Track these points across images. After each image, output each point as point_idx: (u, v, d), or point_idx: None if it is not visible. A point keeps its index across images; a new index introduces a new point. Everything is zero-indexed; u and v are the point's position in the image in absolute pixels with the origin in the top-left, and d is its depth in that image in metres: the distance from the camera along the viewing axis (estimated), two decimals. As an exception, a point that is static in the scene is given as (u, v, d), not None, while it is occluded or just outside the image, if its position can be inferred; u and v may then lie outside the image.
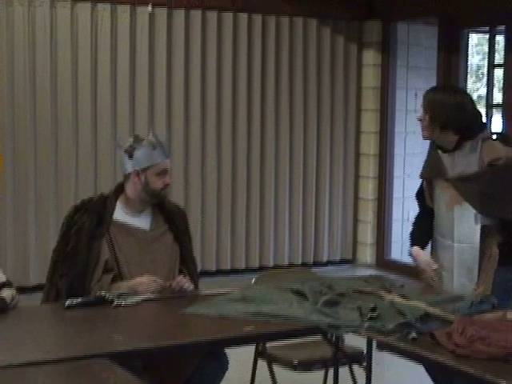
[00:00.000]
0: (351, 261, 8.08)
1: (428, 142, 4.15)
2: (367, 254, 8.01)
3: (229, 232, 7.38)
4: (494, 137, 3.97)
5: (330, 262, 7.95)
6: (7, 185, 6.45)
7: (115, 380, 2.60)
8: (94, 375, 2.65)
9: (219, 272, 7.35)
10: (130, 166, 3.73)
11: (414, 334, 3.11)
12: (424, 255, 4.08)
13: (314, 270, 6.99)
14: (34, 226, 6.53)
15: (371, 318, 3.29)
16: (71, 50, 6.62)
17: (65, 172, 6.64)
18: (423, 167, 4.15)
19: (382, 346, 3.17)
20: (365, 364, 3.80)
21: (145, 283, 3.61)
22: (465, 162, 3.85)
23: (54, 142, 6.61)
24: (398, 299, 3.55)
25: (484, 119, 4.09)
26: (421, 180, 4.20)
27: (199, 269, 6.92)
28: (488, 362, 2.81)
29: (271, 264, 7.48)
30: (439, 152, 3.97)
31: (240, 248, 7.45)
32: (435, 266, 4.01)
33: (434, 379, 3.91)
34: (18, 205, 6.50)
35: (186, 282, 3.75)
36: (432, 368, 3.83)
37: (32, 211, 6.53)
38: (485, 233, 3.85)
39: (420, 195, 4.19)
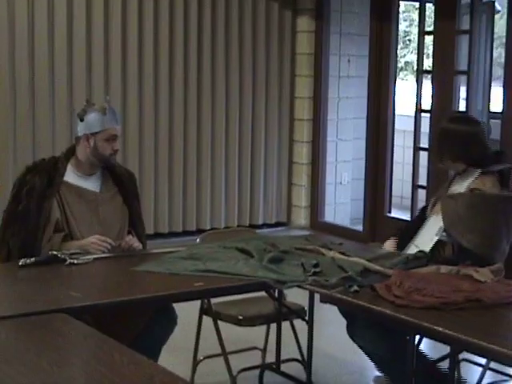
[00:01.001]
0: (286, 223, 8.26)
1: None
2: (302, 217, 8.21)
3: (166, 195, 7.49)
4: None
5: (265, 225, 8.12)
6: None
7: (76, 333, 2.72)
8: (55, 329, 2.76)
9: (171, 234, 7.50)
10: (80, 130, 3.83)
11: (355, 287, 3.30)
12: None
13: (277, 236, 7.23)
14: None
15: (314, 274, 3.47)
16: (27, 12, 6.62)
17: (22, 136, 6.68)
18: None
19: (326, 299, 3.36)
20: (307, 318, 3.97)
21: (95, 243, 3.72)
22: (459, 187, 3.95)
23: (12, 104, 6.63)
24: (338, 256, 3.75)
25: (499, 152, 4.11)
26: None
27: (152, 231, 7.15)
28: (425, 311, 3.02)
29: (208, 227, 7.60)
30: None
31: (177, 211, 7.57)
32: None
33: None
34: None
35: (134, 242, 3.89)
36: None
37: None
38: (438, 248, 3.89)
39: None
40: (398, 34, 7.75)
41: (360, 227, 7.78)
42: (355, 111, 8.18)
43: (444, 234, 3.85)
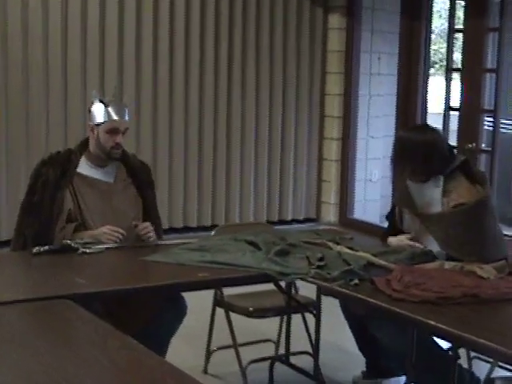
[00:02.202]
0: (315, 219, 8.31)
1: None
2: (331, 213, 8.25)
3: (195, 190, 7.58)
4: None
5: (294, 221, 8.18)
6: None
7: (76, 318, 2.83)
8: (57, 314, 2.87)
9: (186, 228, 7.56)
10: (89, 120, 3.95)
11: (356, 281, 3.36)
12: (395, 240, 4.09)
13: (280, 227, 7.30)
14: (5, 182, 6.68)
15: (318, 267, 3.53)
16: (42, 4, 6.72)
17: (36, 127, 6.77)
18: (395, 194, 4.29)
19: (327, 292, 3.42)
20: (315, 312, 4.03)
21: (107, 233, 3.82)
22: (430, 196, 3.90)
23: (25, 97, 6.72)
24: (344, 250, 3.80)
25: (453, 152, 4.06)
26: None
27: (167, 226, 7.22)
28: (420, 305, 3.06)
29: (237, 221, 7.68)
30: (408, 182, 4.01)
31: (206, 206, 7.66)
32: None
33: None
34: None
35: (150, 231, 3.97)
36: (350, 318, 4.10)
37: (3, 167, 6.68)
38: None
39: (389, 217, 4.27)
40: (430, 32, 7.74)
41: (389, 224, 7.78)
42: (386, 109, 8.19)
43: None
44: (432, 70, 17.94)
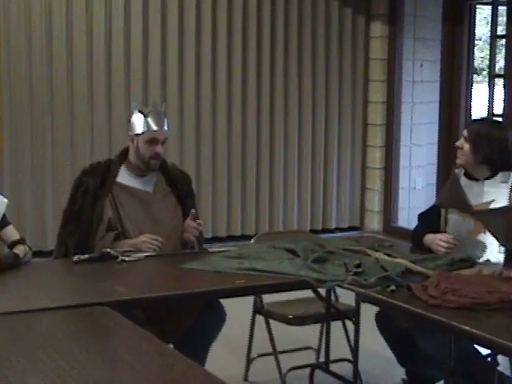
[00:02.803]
0: (359, 228, 8.29)
1: (434, 125, 4.18)
2: (375, 221, 8.23)
3: (239, 199, 7.62)
4: None
5: (338, 229, 8.17)
6: (25, 151, 6.70)
7: (113, 324, 2.87)
8: (94, 320, 2.92)
9: (230, 238, 7.59)
10: (128, 130, 4.00)
11: (392, 287, 3.35)
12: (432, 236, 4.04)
13: (323, 236, 7.31)
14: (52, 193, 6.80)
15: (355, 273, 3.53)
16: (86, 18, 6.83)
17: (80, 139, 6.88)
18: (442, 194, 4.17)
19: (363, 298, 3.42)
20: (354, 319, 4.03)
21: (147, 241, 3.87)
22: (496, 192, 3.88)
23: (70, 108, 6.83)
24: (383, 257, 3.80)
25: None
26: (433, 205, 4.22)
27: (210, 235, 7.27)
28: (457, 311, 3.05)
29: (281, 230, 7.70)
30: (465, 180, 3.99)
31: (250, 215, 7.69)
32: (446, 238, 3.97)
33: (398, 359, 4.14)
34: (35, 172, 6.76)
35: (197, 231, 4.02)
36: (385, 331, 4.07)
37: (49, 177, 6.80)
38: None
39: (426, 217, 4.24)
40: (473, 38, 7.70)
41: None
42: (429, 116, 8.15)
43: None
44: (480, 77, 17.81)
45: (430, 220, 4.13)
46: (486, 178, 3.94)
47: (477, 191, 3.94)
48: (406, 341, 3.91)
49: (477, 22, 10.58)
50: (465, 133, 4.00)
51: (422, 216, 4.30)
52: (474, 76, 16.01)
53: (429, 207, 4.29)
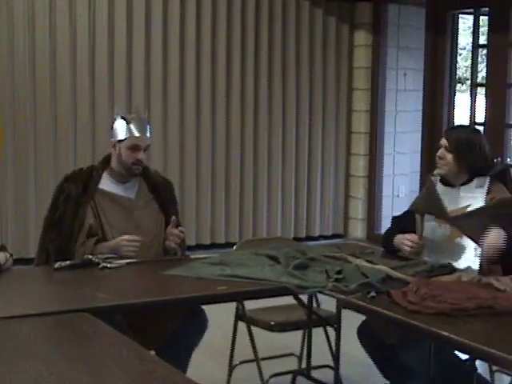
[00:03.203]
0: (343, 235, 8.34)
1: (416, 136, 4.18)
2: (358, 229, 8.27)
3: (223, 207, 7.64)
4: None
5: (322, 237, 8.21)
6: (7, 158, 6.71)
7: (93, 330, 2.87)
8: (75, 326, 2.92)
9: (214, 245, 7.60)
10: (111, 137, 4.01)
11: (373, 293, 3.37)
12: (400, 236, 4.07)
13: (307, 243, 7.32)
14: (34, 200, 6.80)
15: (336, 280, 3.55)
16: (69, 23, 6.84)
17: (63, 145, 6.90)
18: (418, 199, 4.18)
19: (344, 305, 3.44)
20: (335, 326, 4.04)
21: (125, 243, 3.85)
22: (471, 197, 3.90)
23: (53, 114, 6.85)
24: (363, 263, 3.82)
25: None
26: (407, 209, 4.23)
27: (194, 242, 7.28)
28: (436, 317, 3.06)
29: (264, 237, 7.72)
30: (441, 187, 4.00)
31: (234, 222, 7.71)
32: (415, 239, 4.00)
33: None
34: (18, 179, 6.77)
35: (178, 239, 4.02)
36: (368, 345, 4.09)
37: (32, 185, 6.80)
38: None
39: (400, 220, 4.26)
40: (455, 48, 7.76)
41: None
42: (413, 124, 8.21)
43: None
44: (464, 87, 17.87)
45: (404, 224, 4.15)
46: (462, 184, 3.96)
47: (453, 197, 3.96)
48: (389, 354, 3.92)
49: (461, 32, 10.70)
50: (444, 142, 3.99)
51: (395, 219, 4.34)
52: (459, 85, 16.11)
53: (403, 212, 4.31)
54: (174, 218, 4.05)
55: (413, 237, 3.99)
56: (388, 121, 8.16)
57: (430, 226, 4.04)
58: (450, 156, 3.93)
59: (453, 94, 7.68)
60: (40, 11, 6.71)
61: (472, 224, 3.83)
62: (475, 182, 3.93)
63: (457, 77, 12.33)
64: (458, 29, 7.70)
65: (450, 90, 7.61)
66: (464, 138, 3.94)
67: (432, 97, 7.53)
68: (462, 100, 8.97)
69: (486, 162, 3.94)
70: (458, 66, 8.21)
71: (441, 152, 3.98)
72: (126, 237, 3.87)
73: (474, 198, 3.93)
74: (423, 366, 3.66)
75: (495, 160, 4.12)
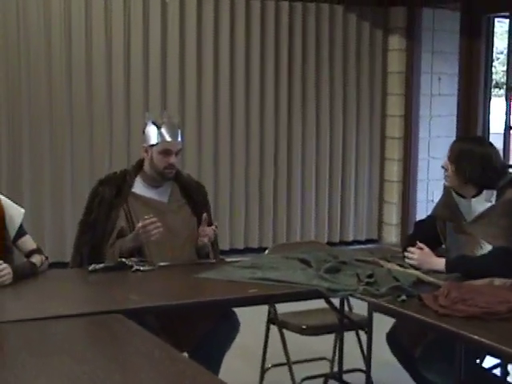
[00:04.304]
0: (377, 240, 8.32)
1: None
2: (392, 234, 8.25)
3: (257, 211, 7.67)
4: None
5: (356, 241, 8.20)
6: (44, 162, 6.79)
7: (126, 331, 2.92)
8: (108, 327, 2.97)
9: (247, 250, 7.63)
10: (143, 142, 4.06)
11: (403, 297, 3.38)
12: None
13: (341, 248, 7.33)
14: (70, 204, 6.88)
15: (367, 283, 3.57)
16: (105, 30, 6.92)
17: (99, 150, 6.98)
18: (438, 206, 4.16)
19: (375, 308, 3.45)
20: (367, 330, 4.05)
21: (141, 230, 3.83)
22: (481, 209, 3.86)
23: (89, 119, 6.93)
24: (395, 267, 3.83)
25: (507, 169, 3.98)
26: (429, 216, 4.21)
27: (228, 247, 7.31)
28: (467, 321, 3.06)
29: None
30: (455, 196, 3.97)
31: (267, 227, 7.73)
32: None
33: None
34: (54, 184, 6.85)
35: (208, 236, 4.05)
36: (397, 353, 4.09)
37: (68, 189, 6.88)
38: None
39: (421, 226, 4.25)
40: (491, 52, 7.72)
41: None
42: (447, 129, 8.17)
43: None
44: (501, 91, 17.73)
45: (425, 229, 4.15)
46: (473, 196, 3.90)
47: (465, 209, 3.92)
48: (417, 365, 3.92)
49: (499, 36, 10.63)
50: (448, 153, 3.97)
51: (417, 224, 4.34)
52: (496, 90, 15.98)
53: (426, 216, 4.31)
54: (204, 215, 4.08)
55: (413, 250, 3.94)
56: (422, 126, 8.14)
57: (452, 239, 4.03)
58: (451, 167, 3.89)
59: (488, 99, 7.64)
60: (76, 15, 6.79)
61: (485, 225, 3.82)
62: (484, 194, 3.87)
63: (494, 81, 12.27)
64: (493, 32, 7.67)
65: (485, 95, 7.57)
66: (464, 149, 3.88)
67: (467, 101, 7.50)
68: (499, 105, 8.89)
69: (491, 175, 3.84)
70: (495, 70, 8.18)
71: (444, 162, 3.94)
72: (140, 224, 3.85)
73: (482, 212, 3.87)
74: (444, 381, 3.65)
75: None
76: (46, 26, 6.70)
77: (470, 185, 3.88)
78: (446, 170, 3.93)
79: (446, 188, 4.09)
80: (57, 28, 6.73)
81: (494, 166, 3.89)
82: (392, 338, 4.10)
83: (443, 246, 4.12)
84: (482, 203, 3.87)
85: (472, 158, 3.84)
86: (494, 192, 3.86)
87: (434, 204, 4.26)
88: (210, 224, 4.09)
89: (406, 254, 3.93)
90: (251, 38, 7.48)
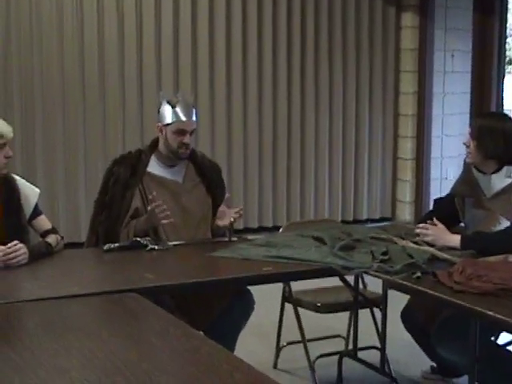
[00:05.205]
0: (390, 218, 8.31)
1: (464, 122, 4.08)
2: (406, 212, 8.24)
3: (270, 190, 7.66)
4: None
5: (369, 220, 8.19)
6: (57, 143, 6.80)
7: (141, 310, 2.93)
8: (123, 306, 2.98)
9: (261, 229, 7.64)
10: (157, 120, 4.06)
11: (418, 274, 3.38)
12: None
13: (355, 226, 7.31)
14: (84, 184, 6.90)
15: (382, 261, 3.57)
16: (116, 9, 6.90)
17: (112, 129, 6.97)
18: (457, 183, 4.18)
19: (389, 285, 3.46)
20: (381, 307, 4.06)
21: (159, 206, 3.83)
22: (501, 186, 3.88)
23: (102, 99, 6.93)
24: (410, 244, 3.83)
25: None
26: (449, 193, 4.25)
27: (241, 226, 7.32)
28: (481, 297, 3.07)
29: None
30: (475, 172, 3.98)
31: (281, 206, 7.73)
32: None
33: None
34: (67, 164, 6.86)
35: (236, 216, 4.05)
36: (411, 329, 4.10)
37: (82, 170, 6.90)
38: None
39: (440, 203, 4.33)
40: (504, 28, 7.68)
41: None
42: (461, 107, 8.13)
43: None
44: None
45: (444, 206, 4.18)
46: (493, 172, 3.91)
47: (486, 184, 3.93)
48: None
49: (512, 12, 10.51)
50: (469, 129, 3.98)
51: (436, 201, 4.36)
52: (509, 67, 15.85)
53: (446, 194, 4.31)
54: (228, 195, 4.09)
55: (424, 225, 3.94)
56: (436, 103, 8.09)
57: (471, 214, 4.03)
58: (473, 143, 3.90)
59: (502, 76, 7.61)
60: (88, 3, 6.78)
61: (504, 201, 3.82)
62: (504, 170, 3.88)
63: (507, 58, 12.19)
64: (507, 9, 7.62)
65: (499, 72, 7.54)
66: (486, 125, 3.89)
67: (480, 78, 7.47)
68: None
69: (507, 151, 3.84)
70: (508, 47, 8.12)
71: (466, 139, 3.96)
72: (149, 208, 3.83)
73: (502, 188, 3.89)
74: (457, 357, 3.66)
75: None
76: (59, 4, 6.68)
77: (492, 161, 3.89)
78: (467, 146, 3.94)
79: (465, 165, 4.10)
80: (69, 8, 6.71)
81: None
82: (406, 316, 4.12)
83: (462, 224, 4.13)
84: (502, 179, 3.88)
85: (494, 134, 3.85)
86: None
87: (448, 181, 4.28)
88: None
89: (418, 230, 3.92)
90: (263, 16, 7.45)
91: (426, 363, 4.34)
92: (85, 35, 6.80)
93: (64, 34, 6.73)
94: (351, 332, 4.44)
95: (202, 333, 3.74)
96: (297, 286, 4.33)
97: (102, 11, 6.84)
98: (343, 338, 4.66)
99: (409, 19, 7.99)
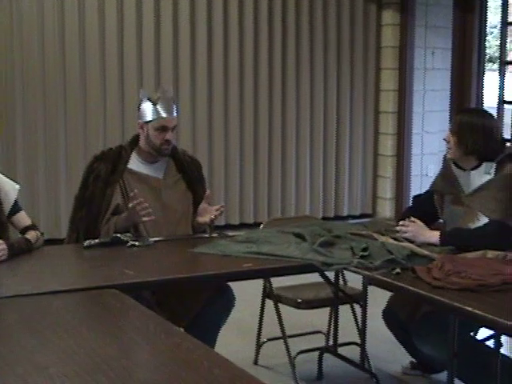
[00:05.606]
0: (371, 215, 8.33)
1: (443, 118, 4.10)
2: (386, 209, 8.27)
3: (251, 187, 7.67)
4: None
5: (350, 216, 8.21)
6: (38, 139, 6.77)
7: (121, 306, 2.93)
8: (103, 302, 2.98)
9: (242, 225, 7.64)
10: (138, 118, 4.05)
11: (398, 270, 3.40)
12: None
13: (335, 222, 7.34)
14: (65, 180, 6.88)
15: (362, 257, 3.58)
16: (98, 4, 6.89)
17: (93, 125, 6.95)
18: (436, 180, 4.19)
19: (369, 281, 3.47)
20: (362, 303, 4.08)
21: (136, 210, 3.82)
22: (480, 182, 3.88)
23: (82, 95, 6.90)
24: (389, 240, 3.84)
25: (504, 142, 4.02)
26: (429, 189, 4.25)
27: (223, 222, 7.32)
28: (460, 292, 3.09)
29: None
30: (454, 169, 3.99)
31: (262, 202, 7.74)
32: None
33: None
34: (48, 160, 6.83)
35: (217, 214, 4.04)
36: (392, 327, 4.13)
37: (63, 166, 6.87)
38: None
39: (419, 200, 4.33)
40: (484, 26, 7.71)
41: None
42: (441, 104, 8.17)
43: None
44: (495, 65, 17.69)
45: (422, 203, 4.21)
46: (473, 169, 3.92)
47: (465, 181, 3.95)
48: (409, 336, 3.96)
49: (493, 10, 10.60)
50: (450, 125, 3.99)
51: (415, 198, 4.38)
52: (490, 64, 15.95)
53: (425, 191, 4.33)
54: (208, 192, 4.09)
55: (403, 222, 3.96)
56: (416, 100, 8.11)
57: (449, 211, 4.05)
58: (453, 139, 3.91)
59: (482, 73, 7.64)
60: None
61: (483, 198, 3.83)
62: (483, 167, 3.88)
63: (488, 56, 12.26)
64: (486, 7, 7.66)
65: (479, 69, 7.57)
66: (466, 121, 3.90)
67: (460, 76, 7.50)
68: (492, 79, 8.89)
69: (492, 147, 3.87)
70: (489, 44, 8.17)
71: (446, 135, 3.97)
72: (130, 205, 3.81)
73: (482, 183, 3.89)
74: (436, 352, 3.69)
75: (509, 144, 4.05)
76: (39, 4, 6.66)
77: (471, 157, 3.90)
78: (447, 142, 3.96)
79: (445, 161, 4.11)
80: (49, 2, 6.68)
81: (496, 138, 3.93)
82: (388, 315, 4.15)
83: (441, 221, 4.16)
84: (481, 175, 3.90)
85: (474, 130, 3.86)
86: (494, 165, 3.88)
87: (428, 178, 4.30)
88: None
89: (398, 227, 3.94)
90: (244, 15, 7.44)
91: (406, 359, 4.37)
92: (65, 32, 6.77)
93: (45, 31, 6.69)
94: (331, 328, 4.45)
95: (182, 329, 3.75)
96: (277, 282, 4.34)
97: (83, 6, 6.81)
98: (323, 334, 4.67)
99: (389, 17, 8.01)
